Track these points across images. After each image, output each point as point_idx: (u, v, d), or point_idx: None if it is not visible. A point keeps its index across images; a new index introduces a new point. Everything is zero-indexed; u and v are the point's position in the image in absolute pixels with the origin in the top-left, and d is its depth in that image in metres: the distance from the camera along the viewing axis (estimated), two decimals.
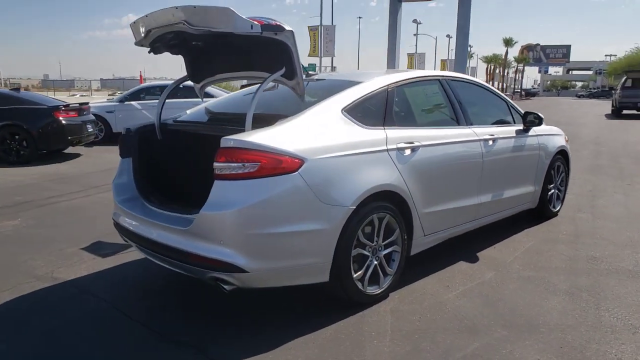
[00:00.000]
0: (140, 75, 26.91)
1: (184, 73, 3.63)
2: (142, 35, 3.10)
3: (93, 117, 10.53)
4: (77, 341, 2.79)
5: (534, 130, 4.70)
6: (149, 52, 3.28)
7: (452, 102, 3.95)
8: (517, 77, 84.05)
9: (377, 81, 3.45)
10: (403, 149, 3.29)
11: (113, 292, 3.43)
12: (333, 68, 38.75)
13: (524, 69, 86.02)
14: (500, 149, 4.20)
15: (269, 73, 3.07)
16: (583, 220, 5.13)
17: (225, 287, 2.72)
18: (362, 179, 2.99)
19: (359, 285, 3.07)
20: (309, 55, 35.67)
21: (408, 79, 3.67)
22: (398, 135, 3.31)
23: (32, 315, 3.10)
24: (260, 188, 2.64)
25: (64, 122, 9.28)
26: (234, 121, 3.20)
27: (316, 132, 2.93)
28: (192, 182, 3.48)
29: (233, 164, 2.64)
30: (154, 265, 3.27)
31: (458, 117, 3.95)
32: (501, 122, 4.50)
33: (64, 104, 9.97)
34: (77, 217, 5.40)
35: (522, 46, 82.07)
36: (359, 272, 3.06)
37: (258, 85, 3.07)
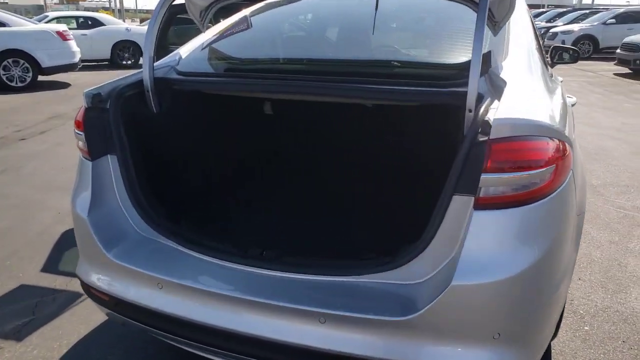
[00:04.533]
0: None
1: None
2: None
3: None
4: None
5: None
6: None
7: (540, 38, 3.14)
8: None
9: None
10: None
11: None
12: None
13: None
14: None
15: None
16: None
17: None
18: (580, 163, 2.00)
19: None
20: None
21: None
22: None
23: None
24: (554, 212, 1.45)
25: None
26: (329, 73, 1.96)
27: (544, 94, 1.73)
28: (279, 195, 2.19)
29: (517, 175, 1.35)
30: None
31: (543, 55, 3.19)
32: None
33: None
34: None
35: None
36: None
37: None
